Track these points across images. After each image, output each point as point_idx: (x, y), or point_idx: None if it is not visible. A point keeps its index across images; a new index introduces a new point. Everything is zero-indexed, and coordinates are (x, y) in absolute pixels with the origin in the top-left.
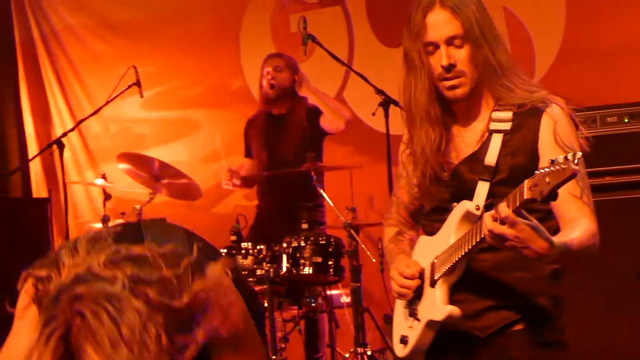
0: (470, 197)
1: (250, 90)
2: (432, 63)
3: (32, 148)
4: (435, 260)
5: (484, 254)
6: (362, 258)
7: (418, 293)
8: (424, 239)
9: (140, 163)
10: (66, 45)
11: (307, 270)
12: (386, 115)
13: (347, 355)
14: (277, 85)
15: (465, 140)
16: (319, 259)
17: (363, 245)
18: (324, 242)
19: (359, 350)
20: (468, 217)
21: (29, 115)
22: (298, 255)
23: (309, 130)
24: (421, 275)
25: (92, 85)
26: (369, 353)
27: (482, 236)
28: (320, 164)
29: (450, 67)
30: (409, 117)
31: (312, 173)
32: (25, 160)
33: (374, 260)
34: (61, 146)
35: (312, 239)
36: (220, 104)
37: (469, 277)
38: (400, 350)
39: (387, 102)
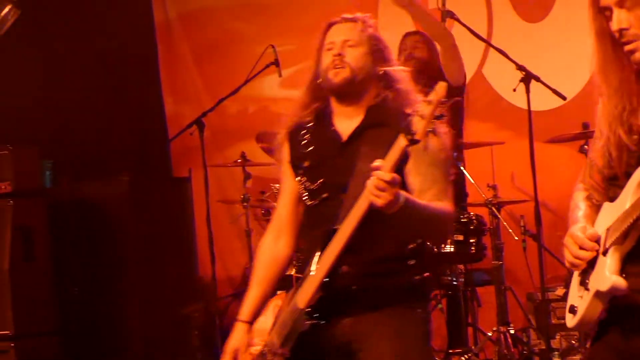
0: None
1: None
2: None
3: (172, 128)
4: (609, 228)
5: None
6: (503, 236)
7: (592, 262)
8: (606, 206)
9: None
10: (204, 25)
11: (449, 248)
12: (527, 91)
13: (489, 333)
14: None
15: None
16: (460, 237)
17: (505, 223)
18: (465, 220)
19: (502, 329)
20: None
21: (169, 95)
22: None
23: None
24: (598, 243)
25: (231, 64)
26: (511, 332)
27: None
28: (461, 140)
29: (621, 32)
30: (600, 83)
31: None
32: (165, 141)
33: (516, 239)
34: (201, 126)
35: None
36: None
37: None
38: (569, 320)
39: (528, 78)
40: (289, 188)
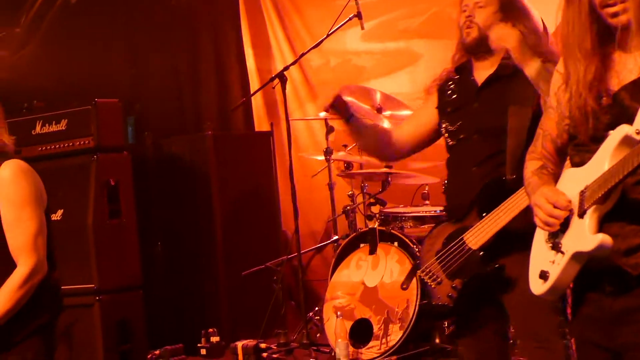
0: (630, 124)
1: None
2: None
3: (254, 82)
4: (584, 190)
5: None
6: None
7: (563, 226)
8: (570, 171)
9: (362, 95)
10: None
11: None
12: None
13: None
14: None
15: (627, 66)
16: None
17: None
18: None
19: None
20: (627, 141)
21: (250, 49)
22: None
23: None
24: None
25: (312, 18)
26: None
27: None
28: None
29: None
30: (566, 48)
31: None
32: (247, 95)
33: None
34: (283, 80)
35: None
36: (441, 34)
37: (624, 209)
38: (538, 286)
39: None
40: (422, 118)
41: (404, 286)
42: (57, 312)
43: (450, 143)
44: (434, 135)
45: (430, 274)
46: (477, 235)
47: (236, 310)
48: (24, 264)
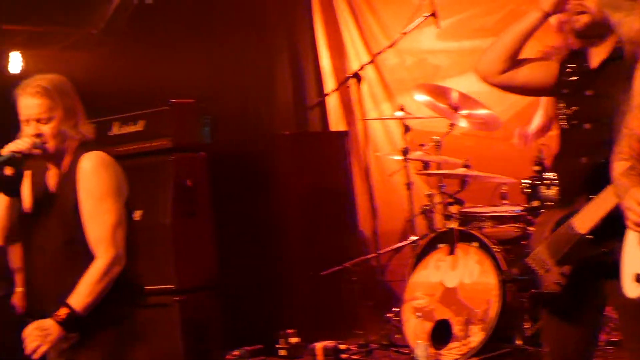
0: None
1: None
2: None
3: (329, 82)
4: None
5: None
6: None
7: None
8: None
9: (438, 94)
10: None
11: None
12: None
13: None
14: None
15: None
16: None
17: None
18: None
19: None
20: None
21: (325, 49)
22: None
23: None
24: None
25: (387, 17)
26: None
27: None
28: None
29: None
30: None
31: None
32: (322, 95)
33: None
34: (359, 79)
35: None
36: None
37: None
38: (633, 289)
39: None
40: (539, 72)
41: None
42: (134, 305)
43: (564, 126)
44: (536, 92)
45: (539, 260)
46: (585, 218)
47: (313, 311)
48: (102, 256)
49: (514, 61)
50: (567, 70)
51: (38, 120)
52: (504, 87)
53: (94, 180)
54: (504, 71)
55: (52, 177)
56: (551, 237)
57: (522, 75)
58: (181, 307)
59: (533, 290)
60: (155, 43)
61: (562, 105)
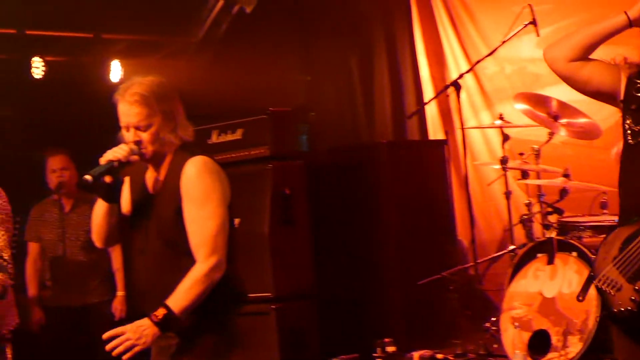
0: None
1: None
2: None
3: (427, 91)
4: None
5: None
6: None
7: None
8: None
9: (538, 102)
10: None
11: None
12: None
13: None
14: None
15: None
16: None
17: None
18: None
19: None
20: None
21: (424, 57)
22: None
23: None
24: None
25: (486, 25)
26: None
27: None
28: None
29: None
30: None
31: None
32: (421, 103)
33: None
34: (457, 88)
35: None
36: (618, 41)
37: None
38: None
39: None
40: (606, 77)
41: (580, 298)
42: (235, 311)
43: (631, 142)
44: (596, 94)
45: (609, 281)
46: None
47: (411, 319)
48: (203, 261)
49: (586, 54)
50: (638, 85)
51: (137, 128)
52: (567, 76)
53: (198, 185)
54: (573, 60)
55: (151, 179)
56: (620, 256)
57: (589, 71)
58: (278, 316)
59: (604, 312)
60: (253, 51)
61: (629, 121)
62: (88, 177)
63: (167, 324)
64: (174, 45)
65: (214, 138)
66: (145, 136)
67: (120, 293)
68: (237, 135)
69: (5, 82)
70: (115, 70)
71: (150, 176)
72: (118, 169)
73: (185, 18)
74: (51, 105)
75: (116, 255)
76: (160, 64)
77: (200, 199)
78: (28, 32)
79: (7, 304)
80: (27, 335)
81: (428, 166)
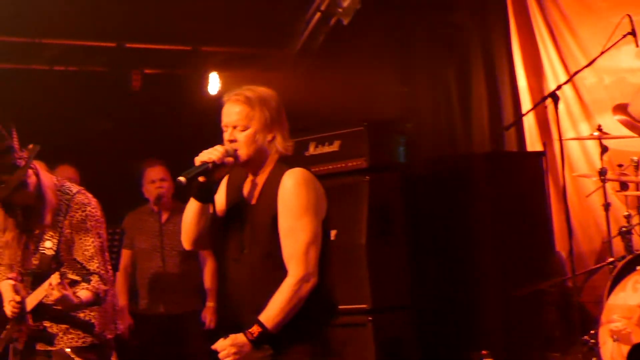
0: None
1: None
2: None
3: (525, 102)
4: None
5: None
6: None
7: None
8: None
9: None
10: None
11: None
12: None
13: None
14: None
15: None
16: None
17: None
18: None
19: None
20: None
21: (522, 68)
22: None
23: None
24: None
25: (585, 36)
26: None
27: None
28: None
29: None
30: None
31: None
32: (519, 114)
33: None
34: (556, 99)
35: None
36: None
37: None
38: None
39: None
40: None
41: None
42: (328, 322)
43: None
44: None
45: None
46: None
47: (507, 332)
48: (293, 274)
49: None
50: None
51: (235, 127)
52: None
53: (295, 197)
54: None
55: (248, 188)
56: None
57: None
58: (375, 327)
59: None
60: (350, 63)
61: None
62: (182, 178)
63: (262, 341)
64: (271, 57)
65: (312, 150)
66: (240, 137)
67: (210, 304)
68: (335, 147)
69: (105, 95)
70: (214, 83)
71: (248, 185)
72: (212, 170)
73: (283, 30)
74: (149, 118)
75: (208, 267)
76: (258, 76)
77: (296, 210)
78: (128, 45)
79: (108, 309)
80: (118, 342)
81: (525, 177)
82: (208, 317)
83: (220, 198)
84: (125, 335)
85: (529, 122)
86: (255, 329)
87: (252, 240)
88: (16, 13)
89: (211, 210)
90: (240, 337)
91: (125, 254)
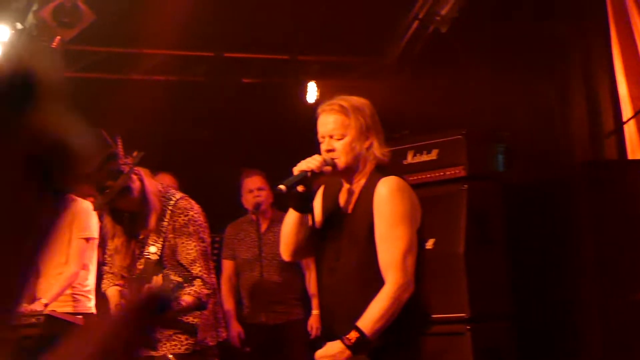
0: None
1: None
2: None
3: (626, 109)
4: None
5: None
6: None
7: None
8: None
9: None
10: None
11: None
12: None
13: None
14: None
15: None
16: None
17: None
18: None
19: None
20: None
21: (622, 75)
22: None
23: None
24: None
25: None
26: None
27: None
28: None
29: None
30: None
31: None
32: (620, 122)
33: None
34: None
35: None
36: None
37: None
38: None
39: None
40: None
41: None
42: (421, 332)
43: None
44: None
45: None
46: None
47: (609, 343)
48: (391, 282)
49: None
50: None
51: (331, 137)
52: None
53: (389, 206)
54: None
55: (344, 196)
56: None
57: None
58: (474, 336)
59: None
60: (448, 71)
61: None
62: (282, 186)
63: (359, 347)
64: (369, 66)
65: (410, 158)
66: (338, 145)
67: (315, 312)
68: (433, 155)
69: (203, 105)
70: (312, 92)
71: (343, 193)
72: (311, 179)
73: (380, 39)
74: (247, 127)
75: (311, 274)
76: (356, 84)
77: (392, 218)
78: (226, 54)
79: (209, 315)
80: (228, 349)
81: (626, 186)
82: (314, 325)
83: (317, 208)
84: (235, 343)
85: (630, 130)
86: (352, 335)
87: (348, 250)
88: (116, 23)
89: (310, 222)
90: (335, 345)
91: (228, 265)
